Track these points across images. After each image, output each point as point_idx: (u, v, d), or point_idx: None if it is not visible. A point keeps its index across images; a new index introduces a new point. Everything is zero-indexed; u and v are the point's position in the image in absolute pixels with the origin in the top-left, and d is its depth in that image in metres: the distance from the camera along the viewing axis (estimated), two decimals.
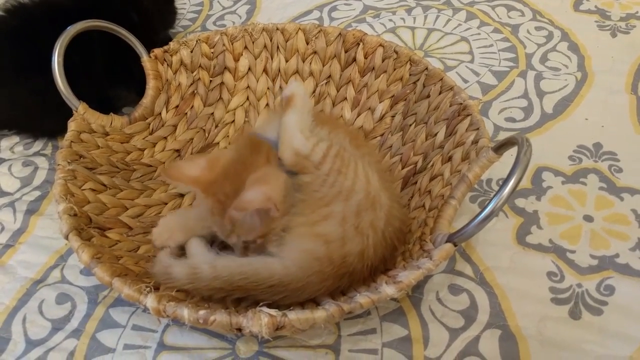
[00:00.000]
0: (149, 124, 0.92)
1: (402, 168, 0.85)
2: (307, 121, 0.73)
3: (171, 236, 0.74)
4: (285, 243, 0.66)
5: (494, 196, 0.60)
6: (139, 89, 0.95)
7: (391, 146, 0.88)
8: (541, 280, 0.73)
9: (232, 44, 0.97)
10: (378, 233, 0.67)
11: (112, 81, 1.01)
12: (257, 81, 0.98)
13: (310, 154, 0.68)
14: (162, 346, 0.70)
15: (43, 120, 0.98)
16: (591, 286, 0.72)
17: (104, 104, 0.89)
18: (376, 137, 0.91)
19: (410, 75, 0.90)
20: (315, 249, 0.64)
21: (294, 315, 0.56)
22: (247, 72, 0.98)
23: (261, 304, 0.58)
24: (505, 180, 0.60)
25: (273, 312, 0.56)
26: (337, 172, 0.67)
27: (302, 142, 0.69)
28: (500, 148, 0.68)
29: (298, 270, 0.64)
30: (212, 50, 0.97)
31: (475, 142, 0.74)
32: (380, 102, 0.92)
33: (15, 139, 1.00)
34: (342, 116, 0.95)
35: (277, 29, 0.97)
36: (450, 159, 0.77)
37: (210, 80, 0.97)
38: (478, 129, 0.75)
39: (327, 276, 0.64)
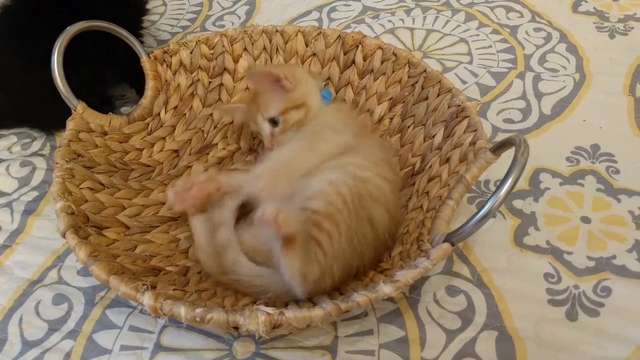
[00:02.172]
0: (148, 124, 0.92)
1: (401, 169, 0.85)
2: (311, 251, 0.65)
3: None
4: None
5: (492, 195, 0.60)
6: (133, 79, 0.97)
7: (389, 148, 0.88)
8: (538, 281, 0.73)
9: (231, 46, 0.97)
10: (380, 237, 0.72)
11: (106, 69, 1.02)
12: None
13: None
14: (159, 347, 0.70)
15: (54, 108, 0.96)
16: (588, 288, 0.72)
17: (102, 102, 0.89)
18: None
19: (408, 77, 0.90)
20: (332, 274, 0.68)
21: (291, 314, 0.56)
22: None
23: (258, 302, 0.58)
24: (503, 180, 0.60)
25: (270, 310, 0.56)
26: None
27: (315, 274, 0.65)
28: (498, 149, 0.69)
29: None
30: (211, 51, 0.97)
31: (473, 143, 0.74)
32: (379, 104, 0.92)
33: (13, 139, 1.00)
34: None
35: (277, 30, 0.97)
36: (448, 160, 0.77)
37: (210, 82, 0.98)
38: (476, 130, 0.75)
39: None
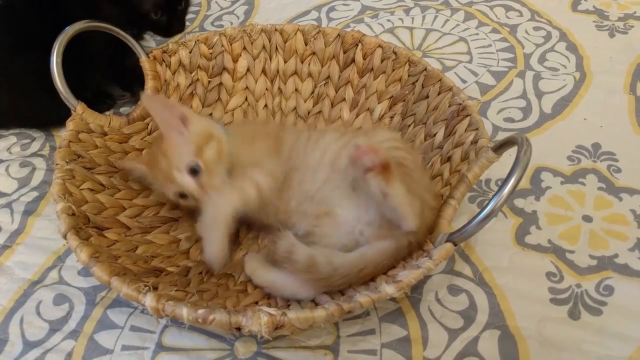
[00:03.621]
0: (147, 125, 0.92)
1: None
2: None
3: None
4: None
5: (494, 195, 0.60)
6: (124, 83, 0.99)
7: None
8: (540, 280, 0.73)
9: (230, 45, 0.97)
10: None
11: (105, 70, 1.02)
12: (256, 82, 0.98)
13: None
14: (160, 347, 0.70)
15: (44, 105, 0.96)
16: (590, 286, 0.72)
17: (96, 97, 0.89)
18: None
19: (409, 76, 0.90)
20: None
21: (294, 314, 0.56)
22: (245, 73, 0.98)
23: (260, 303, 0.58)
24: (505, 180, 0.60)
25: (272, 311, 0.56)
26: None
27: (417, 204, 0.66)
28: (500, 148, 0.68)
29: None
30: (210, 51, 0.97)
31: (474, 142, 0.74)
32: (379, 103, 0.92)
33: (13, 139, 1.00)
34: (340, 117, 0.95)
35: (276, 29, 0.97)
36: (449, 159, 0.77)
37: (209, 81, 0.97)
38: (477, 129, 0.75)
39: None
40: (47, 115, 0.99)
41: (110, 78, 1.04)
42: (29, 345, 0.71)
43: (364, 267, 0.65)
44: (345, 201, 0.71)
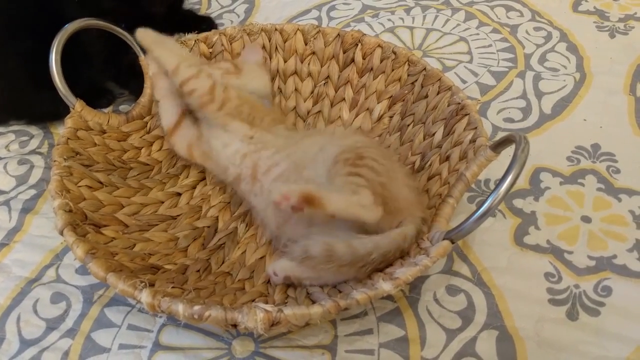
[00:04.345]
0: (146, 123, 0.91)
1: None
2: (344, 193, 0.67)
3: None
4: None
5: (492, 192, 0.60)
6: (122, 80, 0.99)
7: (389, 146, 0.88)
8: (538, 281, 0.73)
9: (230, 44, 0.97)
10: None
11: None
12: None
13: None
14: (157, 346, 0.69)
15: (36, 95, 0.96)
16: (588, 287, 0.72)
17: (89, 93, 0.89)
18: (374, 137, 0.91)
19: (408, 75, 0.90)
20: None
21: (290, 311, 0.56)
22: None
23: (256, 299, 0.58)
24: (503, 177, 0.59)
25: (269, 307, 0.56)
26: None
27: (367, 195, 0.66)
28: (498, 146, 0.68)
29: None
30: (210, 50, 0.97)
31: (473, 141, 0.74)
32: (378, 103, 0.92)
33: (11, 136, 1.00)
34: (340, 117, 0.95)
35: (276, 29, 0.97)
36: (448, 158, 0.77)
37: None
38: (476, 128, 0.75)
39: None
40: (42, 109, 0.99)
41: (107, 75, 1.04)
42: (25, 344, 0.70)
43: (387, 250, 0.65)
44: None
